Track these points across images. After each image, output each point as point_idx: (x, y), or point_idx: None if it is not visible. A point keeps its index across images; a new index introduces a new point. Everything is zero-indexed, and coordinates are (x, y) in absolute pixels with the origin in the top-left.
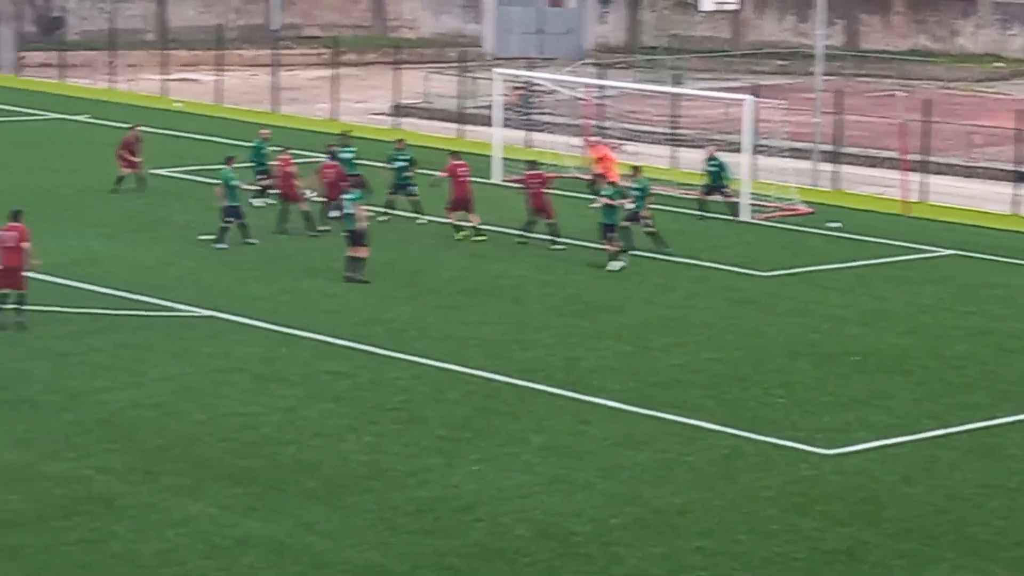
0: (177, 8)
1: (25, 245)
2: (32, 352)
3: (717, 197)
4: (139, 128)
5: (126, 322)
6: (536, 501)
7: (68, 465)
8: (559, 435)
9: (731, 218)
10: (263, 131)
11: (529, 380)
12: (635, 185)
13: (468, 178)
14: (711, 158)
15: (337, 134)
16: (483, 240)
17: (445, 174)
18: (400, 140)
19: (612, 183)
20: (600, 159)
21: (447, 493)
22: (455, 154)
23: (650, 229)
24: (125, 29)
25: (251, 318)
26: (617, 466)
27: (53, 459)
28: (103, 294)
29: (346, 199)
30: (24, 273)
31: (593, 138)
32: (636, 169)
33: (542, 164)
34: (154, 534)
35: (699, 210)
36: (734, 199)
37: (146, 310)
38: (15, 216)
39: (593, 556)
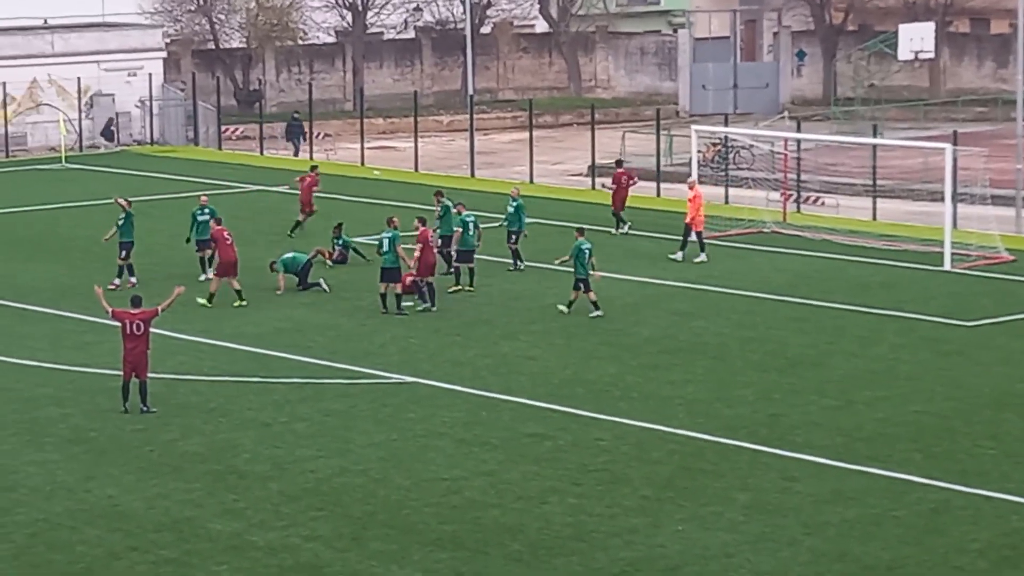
0: (372, 76)
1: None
2: (238, 423)
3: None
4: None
5: (330, 390)
6: (742, 559)
7: (276, 534)
8: (764, 492)
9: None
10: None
11: (733, 438)
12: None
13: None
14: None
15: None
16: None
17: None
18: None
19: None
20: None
21: (652, 553)
22: (619, 163)
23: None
24: (322, 99)
25: (453, 383)
26: (824, 522)
27: (261, 528)
28: (306, 363)
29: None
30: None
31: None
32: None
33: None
34: None
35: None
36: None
37: (349, 378)
38: (136, 303)
39: None
